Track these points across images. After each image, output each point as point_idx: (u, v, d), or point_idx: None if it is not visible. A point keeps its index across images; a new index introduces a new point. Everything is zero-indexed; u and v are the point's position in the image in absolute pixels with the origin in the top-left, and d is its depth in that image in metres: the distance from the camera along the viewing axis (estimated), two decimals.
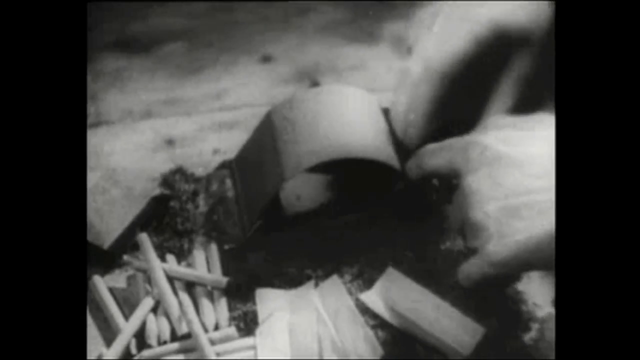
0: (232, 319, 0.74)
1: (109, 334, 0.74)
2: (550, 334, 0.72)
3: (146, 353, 0.73)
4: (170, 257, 0.78)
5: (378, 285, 0.75)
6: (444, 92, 0.73)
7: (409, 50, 0.76)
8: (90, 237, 0.78)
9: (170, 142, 0.88)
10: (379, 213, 0.78)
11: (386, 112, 0.79)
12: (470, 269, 0.68)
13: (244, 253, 0.78)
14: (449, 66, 0.72)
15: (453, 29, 0.73)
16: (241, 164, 0.81)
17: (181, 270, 0.77)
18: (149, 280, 0.77)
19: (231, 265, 0.77)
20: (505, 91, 0.75)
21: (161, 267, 0.77)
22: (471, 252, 0.68)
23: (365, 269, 0.76)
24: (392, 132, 0.77)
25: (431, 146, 0.72)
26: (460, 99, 0.74)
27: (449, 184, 0.78)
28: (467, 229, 0.68)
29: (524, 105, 0.75)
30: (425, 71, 0.73)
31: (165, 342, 0.74)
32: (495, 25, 0.72)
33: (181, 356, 0.72)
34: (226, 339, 0.73)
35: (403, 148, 0.76)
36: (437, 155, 0.70)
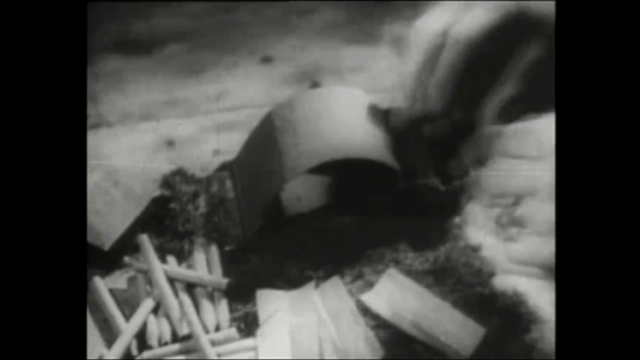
0: (232, 320, 0.74)
1: (110, 335, 0.74)
2: (551, 335, 0.72)
3: (147, 354, 0.73)
4: (171, 259, 0.78)
5: (378, 286, 0.74)
6: (466, 59, 0.73)
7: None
8: (90, 238, 0.78)
9: (170, 143, 0.88)
10: (379, 213, 0.78)
11: (386, 112, 0.79)
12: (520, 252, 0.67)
13: (245, 254, 0.78)
14: (472, 34, 0.72)
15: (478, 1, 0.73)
16: (241, 165, 0.81)
17: (182, 271, 0.77)
18: (149, 281, 0.77)
19: (232, 267, 0.77)
20: (511, 77, 0.74)
21: (162, 268, 0.77)
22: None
23: (366, 270, 0.76)
24: (391, 133, 0.77)
25: (515, 127, 0.70)
26: (478, 69, 0.74)
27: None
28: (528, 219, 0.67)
29: (522, 100, 0.75)
30: (449, 37, 0.73)
31: (166, 343, 0.73)
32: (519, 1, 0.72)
33: (182, 357, 0.72)
34: (227, 340, 0.73)
35: (402, 147, 0.76)
36: (523, 140, 0.70)
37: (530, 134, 0.68)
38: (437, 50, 0.74)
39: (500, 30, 0.72)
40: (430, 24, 0.74)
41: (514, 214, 0.68)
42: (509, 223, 0.69)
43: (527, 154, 0.68)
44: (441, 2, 0.75)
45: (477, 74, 0.74)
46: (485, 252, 0.75)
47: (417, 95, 0.75)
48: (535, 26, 0.73)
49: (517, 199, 0.68)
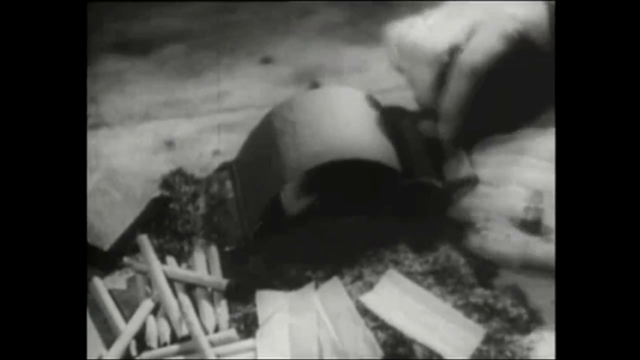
0: (232, 320, 0.74)
1: (109, 335, 0.74)
2: (550, 335, 0.72)
3: (146, 355, 0.73)
4: (171, 259, 0.78)
5: (378, 287, 0.74)
6: (473, 89, 0.73)
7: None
8: (90, 239, 0.78)
9: (170, 144, 0.88)
10: (379, 213, 0.78)
11: (387, 111, 0.79)
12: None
13: (244, 255, 0.78)
14: (478, 63, 0.73)
15: (483, 24, 0.74)
16: (241, 166, 0.81)
17: (181, 272, 0.77)
18: (149, 282, 0.77)
19: (231, 267, 0.77)
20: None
21: (161, 269, 0.77)
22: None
23: (366, 271, 0.76)
24: (391, 133, 0.77)
25: None
26: (487, 97, 0.75)
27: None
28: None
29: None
30: (456, 67, 0.74)
31: (165, 344, 0.73)
32: (522, 26, 0.73)
33: (181, 358, 0.72)
34: (226, 341, 0.73)
35: (402, 146, 0.76)
36: None
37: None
38: (444, 69, 0.75)
39: (505, 58, 0.73)
40: (434, 41, 0.75)
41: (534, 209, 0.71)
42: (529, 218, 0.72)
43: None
44: (437, 7, 0.76)
45: (484, 102, 0.75)
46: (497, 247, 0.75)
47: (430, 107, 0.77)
48: (535, 53, 0.74)
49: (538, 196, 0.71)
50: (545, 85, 0.74)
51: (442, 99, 0.75)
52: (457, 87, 0.74)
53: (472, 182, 0.77)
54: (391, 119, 0.79)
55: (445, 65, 0.75)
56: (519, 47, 0.74)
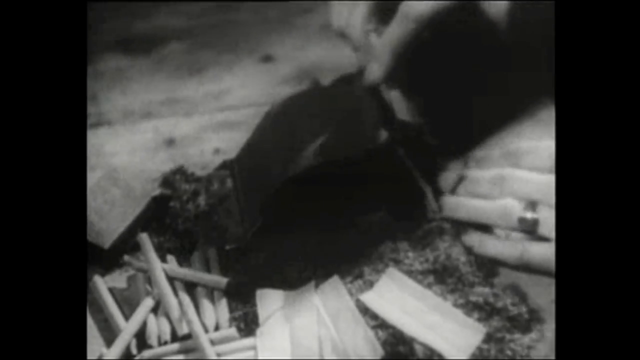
0: (232, 319, 0.74)
1: (110, 334, 0.74)
2: (551, 335, 0.72)
3: (147, 353, 0.73)
4: (171, 258, 0.78)
5: (378, 286, 0.74)
6: (411, 37, 0.73)
7: None
8: (90, 237, 0.78)
9: (170, 142, 0.88)
10: (379, 213, 0.78)
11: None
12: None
13: (245, 253, 0.78)
14: (423, 13, 0.72)
15: None
16: (242, 164, 0.81)
17: (181, 270, 0.77)
18: (149, 280, 0.77)
19: (232, 266, 0.77)
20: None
21: (161, 267, 0.77)
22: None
23: (366, 269, 0.76)
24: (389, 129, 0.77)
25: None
26: (428, 50, 0.75)
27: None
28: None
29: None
30: (402, 10, 0.73)
31: (165, 343, 0.74)
32: None
33: (181, 356, 0.72)
34: (226, 340, 0.73)
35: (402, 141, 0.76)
36: None
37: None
38: (379, 7, 0.75)
39: (451, 15, 0.73)
40: None
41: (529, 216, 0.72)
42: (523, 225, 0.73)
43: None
44: None
45: (420, 54, 0.75)
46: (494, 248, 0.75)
47: (361, 46, 0.76)
48: (483, 24, 0.73)
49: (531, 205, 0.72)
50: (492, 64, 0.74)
51: (379, 40, 0.75)
52: (396, 28, 0.73)
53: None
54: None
55: (381, 6, 0.75)
56: (469, 12, 0.73)
